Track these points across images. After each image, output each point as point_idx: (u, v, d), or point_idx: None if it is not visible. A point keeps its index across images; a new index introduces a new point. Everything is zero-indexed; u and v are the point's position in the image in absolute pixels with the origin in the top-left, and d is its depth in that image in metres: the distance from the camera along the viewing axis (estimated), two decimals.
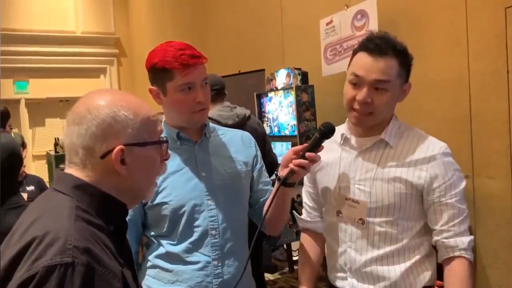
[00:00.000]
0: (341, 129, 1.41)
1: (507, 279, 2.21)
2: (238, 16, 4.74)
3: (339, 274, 1.39)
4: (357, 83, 1.28)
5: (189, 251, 1.33)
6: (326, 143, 1.29)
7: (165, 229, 1.35)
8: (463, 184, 1.29)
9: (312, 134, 3.36)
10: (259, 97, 3.82)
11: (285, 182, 1.27)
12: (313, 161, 1.25)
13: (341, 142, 1.40)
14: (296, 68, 3.44)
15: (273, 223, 1.40)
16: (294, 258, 4.01)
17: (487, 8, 2.35)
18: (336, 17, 3.10)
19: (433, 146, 1.29)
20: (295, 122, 3.32)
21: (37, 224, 0.79)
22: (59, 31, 7.46)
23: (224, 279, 1.34)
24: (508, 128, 2.34)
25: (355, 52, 1.34)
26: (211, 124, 1.48)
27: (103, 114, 0.85)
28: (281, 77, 3.56)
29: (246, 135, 1.54)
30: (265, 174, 1.52)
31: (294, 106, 3.28)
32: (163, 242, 1.36)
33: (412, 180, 1.27)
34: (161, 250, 1.36)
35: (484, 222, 2.31)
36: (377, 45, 1.26)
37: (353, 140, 1.38)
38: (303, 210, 1.55)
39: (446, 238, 1.26)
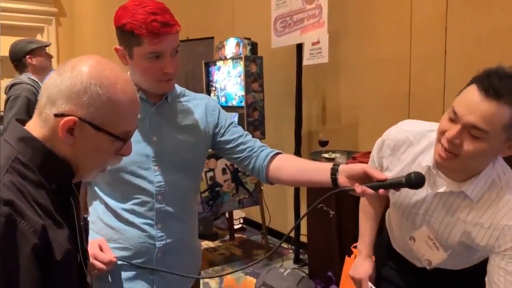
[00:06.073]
0: (427, 159, 1.25)
1: None
2: None
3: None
4: (453, 119, 1.11)
5: (133, 212, 1.32)
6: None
7: (107, 188, 1.33)
8: None
9: (259, 106, 3.38)
10: (208, 65, 3.77)
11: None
12: (380, 196, 1.15)
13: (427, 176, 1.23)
14: (246, 38, 3.42)
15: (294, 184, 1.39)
16: (235, 227, 4.09)
17: None
18: None
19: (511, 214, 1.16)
20: (243, 93, 3.32)
21: None
22: None
23: (167, 242, 1.35)
24: (442, 107, 2.50)
25: (470, 82, 1.12)
26: (180, 88, 1.43)
27: (79, 80, 0.84)
28: (231, 46, 3.54)
29: (212, 103, 1.49)
30: (233, 130, 1.46)
31: (242, 76, 3.28)
32: (107, 199, 1.34)
33: (481, 242, 1.20)
34: (106, 206, 1.34)
35: None
36: (493, 84, 1.05)
37: (437, 180, 1.24)
38: None
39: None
